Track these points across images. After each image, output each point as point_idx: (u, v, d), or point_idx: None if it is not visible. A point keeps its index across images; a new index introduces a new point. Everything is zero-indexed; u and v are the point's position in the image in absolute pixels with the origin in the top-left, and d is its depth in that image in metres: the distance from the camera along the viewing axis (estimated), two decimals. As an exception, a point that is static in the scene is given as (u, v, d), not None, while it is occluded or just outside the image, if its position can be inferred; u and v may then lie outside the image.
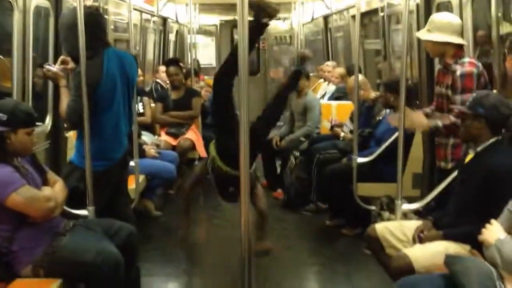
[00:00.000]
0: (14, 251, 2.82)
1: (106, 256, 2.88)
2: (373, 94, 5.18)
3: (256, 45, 12.47)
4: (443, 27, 3.53)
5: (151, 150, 5.47)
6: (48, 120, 4.29)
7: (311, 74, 9.82)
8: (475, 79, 3.44)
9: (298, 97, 6.28)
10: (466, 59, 3.52)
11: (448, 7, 4.11)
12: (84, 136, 3.25)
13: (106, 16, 5.70)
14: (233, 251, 4.31)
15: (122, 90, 3.46)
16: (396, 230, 3.24)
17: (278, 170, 6.53)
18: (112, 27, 6.06)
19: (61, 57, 3.47)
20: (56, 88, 3.51)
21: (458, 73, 3.47)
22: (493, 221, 2.50)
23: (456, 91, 3.49)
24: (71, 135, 4.25)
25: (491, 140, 2.94)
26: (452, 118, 3.45)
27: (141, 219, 4.98)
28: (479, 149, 2.98)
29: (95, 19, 3.37)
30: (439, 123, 3.55)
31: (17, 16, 3.77)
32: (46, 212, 2.87)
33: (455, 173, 3.26)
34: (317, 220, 5.46)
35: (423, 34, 3.62)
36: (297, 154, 5.98)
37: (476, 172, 2.90)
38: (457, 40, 3.52)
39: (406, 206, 3.53)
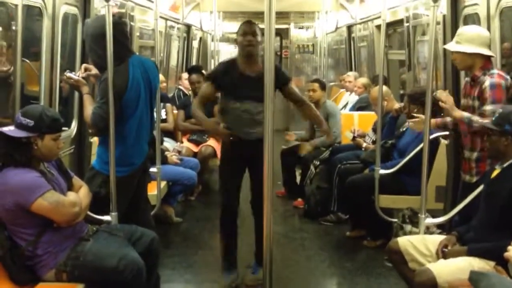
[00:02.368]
0: (38, 255, 2.85)
1: (128, 262, 2.90)
2: (396, 105, 5.14)
3: (279, 53, 12.55)
4: (472, 38, 3.50)
5: (173, 157, 5.51)
6: (74, 125, 4.35)
7: (332, 84, 9.85)
8: (504, 90, 3.40)
9: (316, 108, 6.21)
10: (495, 71, 3.48)
11: (475, 19, 4.07)
12: (107, 142, 3.29)
13: (132, 23, 5.78)
14: (252, 259, 4.34)
15: (145, 96, 3.50)
16: (419, 244, 3.20)
17: (298, 179, 6.49)
18: (137, 34, 6.13)
19: (84, 65, 3.52)
20: (80, 94, 3.56)
21: (487, 83, 3.43)
22: (519, 238, 2.46)
23: (485, 102, 3.44)
24: (96, 140, 4.30)
25: (519, 156, 2.90)
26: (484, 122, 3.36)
27: (162, 225, 5.00)
28: (505, 165, 2.95)
29: (120, 27, 3.42)
30: (474, 118, 3.42)
31: (46, 22, 3.84)
32: (71, 217, 2.89)
33: (480, 188, 3.21)
34: (338, 230, 5.42)
35: (453, 46, 3.58)
36: (317, 163, 5.93)
37: (502, 188, 2.86)
38: (486, 52, 3.48)
39: (430, 221, 3.48)
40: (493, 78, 3.43)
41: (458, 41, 3.54)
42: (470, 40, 3.49)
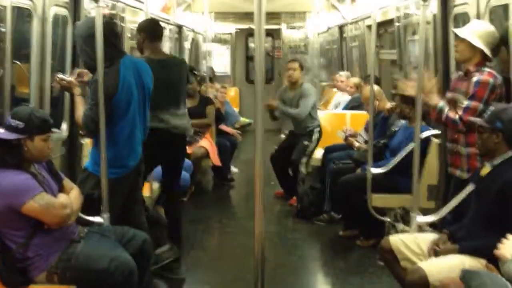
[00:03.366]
0: (29, 257, 2.84)
1: (119, 263, 2.89)
2: (388, 105, 5.16)
3: (271, 54, 12.55)
4: (482, 35, 3.50)
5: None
6: (65, 126, 4.33)
7: (324, 83, 9.87)
8: (488, 89, 3.42)
9: (291, 89, 6.13)
10: (486, 69, 3.50)
11: (465, 18, 4.09)
12: (99, 144, 3.28)
13: (123, 24, 5.76)
14: (245, 260, 4.34)
15: (138, 98, 3.48)
16: (411, 242, 3.21)
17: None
18: (128, 34, 6.10)
19: (77, 70, 3.51)
20: (72, 96, 3.55)
21: (474, 79, 3.47)
22: (510, 236, 2.46)
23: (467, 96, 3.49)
24: (87, 142, 4.28)
25: (509, 154, 2.92)
26: (456, 116, 3.45)
27: (155, 226, 4.98)
28: (495, 162, 2.96)
29: (111, 28, 3.41)
30: (445, 109, 3.51)
31: (36, 24, 3.81)
32: (62, 219, 2.88)
33: (471, 186, 3.22)
34: (331, 230, 5.43)
35: (463, 32, 3.56)
36: (304, 160, 5.98)
37: (493, 186, 2.87)
38: (488, 52, 3.50)
39: (422, 219, 3.50)
40: (482, 75, 3.46)
41: (470, 31, 3.54)
42: (480, 35, 3.50)
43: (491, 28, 3.57)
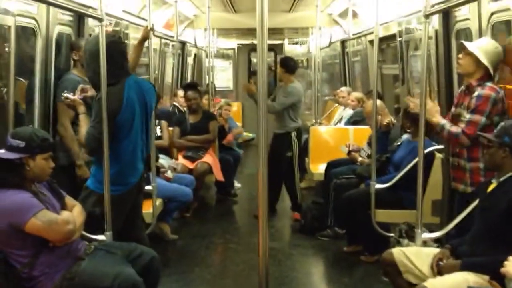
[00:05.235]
0: (36, 276, 2.83)
1: (123, 280, 2.88)
2: (386, 121, 5.14)
3: (273, 69, 12.61)
4: (489, 52, 3.52)
5: (165, 173, 5.50)
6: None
7: (327, 98, 9.88)
8: (490, 103, 3.43)
9: (280, 87, 6.43)
10: (489, 84, 3.51)
11: (467, 34, 4.10)
12: (101, 162, 3.28)
13: (126, 41, 5.80)
14: (249, 277, 4.32)
15: (141, 117, 3.50)
16: (413, 255, 3.19)
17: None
18: (131, 51, 6.15)
19: (80, 86, 3.53)
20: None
21: (475, 93, 3.49)
22: (516, 253, 2.45)
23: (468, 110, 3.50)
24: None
25: (516, 170, 2.91)
26: (458, 130, 3.48)
27: (158, 243, 4.97)
28: (502, 179, 2.95)
29: (118, 47, 3.42)
30: (447, 126, 3.56)
31: (39, 42, 3.84)
32: (65, 235, 2.88)
33: (476, 202, 3.21)
34: (335, 245, 5.39)
35: (472, 47, 3.57)
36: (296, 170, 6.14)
37: (499, 202, 2.85)
38: (491, 70, 3.52)
39: (427, 235, 3.48)
40: (484, 89, 3.47)
41: (478, 47, 3.56)
42: (487, 52, 3.52)
43: (498, 48, 3.59)
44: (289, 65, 6.26)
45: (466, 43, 3.64)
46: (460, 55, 3.67)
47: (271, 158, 5.78)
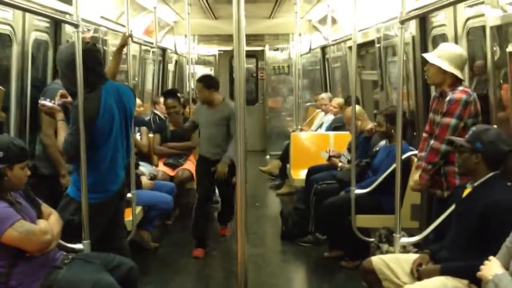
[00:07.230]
0: (13, 286, 2.78)
1: (102, 287, 2.84)
2: (369, 126, 5.19)
3: (254, 75, 12.62)
4: (452, 58, 3.55)
5: (147, 182, 5.46)
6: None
7: (308, 104, 9.92)
8: (460, 105, 3.46)
9: (211, 108, 5.42)
10: (460, 87, 3.55)
11: (444, 39, 4.15)
12: (80, 169, 3.24)
13: (105, 48, 5.76)
14: (230, 283, 4.30)
15: (120, 123, 3.46)
16: (393, 263, 3.20)
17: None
18: (111, 58, 6.11)
19: (60, 91, 3.49)
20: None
21: (447, 98, 3.53)
22: (491, 257, 2.47)
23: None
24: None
25: (489, 175, 2.93)
26: (419, 171, 3.70)
27: (138, 251, 4.93)
28: (476, 183, 2.97)
29: (93, 55, 3.39)
30: (423, 166, 3.69)
31: (15, 49, 3.80)
32: (43, 245, 2.84)
33: (453, 206, 3.24)
34: (316, 251, 5.39)
35: (433, 58, 3.61)
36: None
37: (473, 207, 2.87)
38: (460, 75, 3.55)
39: (405, 240, 3.51)
40: (455, 93, 3.51)
41: (439, 56, 3.59)
42: (450, 58, 3.55)
43: (459, 50, 3.63)
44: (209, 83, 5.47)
45: (426, 56, 3.68)
46: (426, 67, 3.71)
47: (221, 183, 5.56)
